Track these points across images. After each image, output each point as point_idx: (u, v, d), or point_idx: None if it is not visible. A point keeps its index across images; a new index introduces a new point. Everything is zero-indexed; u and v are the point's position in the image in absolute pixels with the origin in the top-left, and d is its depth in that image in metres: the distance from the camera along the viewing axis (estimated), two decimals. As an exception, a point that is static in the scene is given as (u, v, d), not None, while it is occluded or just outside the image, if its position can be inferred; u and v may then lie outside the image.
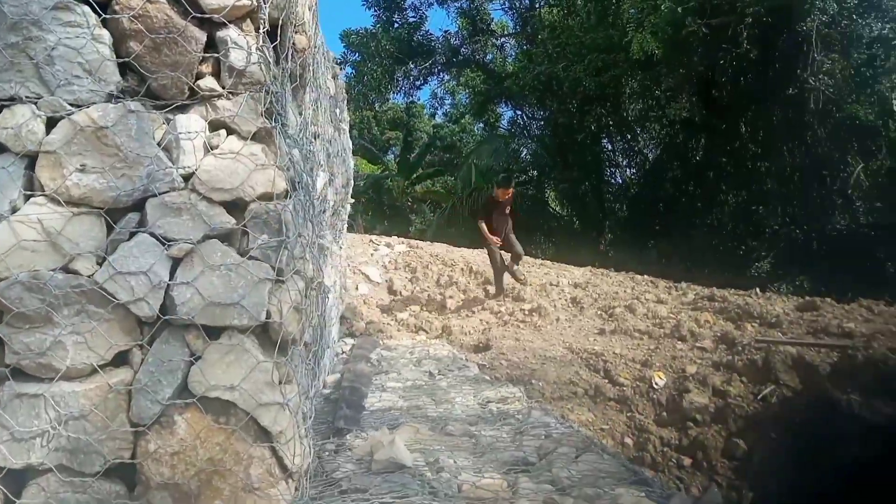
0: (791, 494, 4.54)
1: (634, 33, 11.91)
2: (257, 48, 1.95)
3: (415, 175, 22.21)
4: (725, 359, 5.81)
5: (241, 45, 1.94)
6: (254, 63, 1.94)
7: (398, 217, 22.63)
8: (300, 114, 2.67)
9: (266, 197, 1.89)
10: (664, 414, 5.47)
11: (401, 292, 9.28)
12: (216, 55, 1.95)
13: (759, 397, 5.28)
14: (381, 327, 7.94)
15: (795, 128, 12.47)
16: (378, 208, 22.01)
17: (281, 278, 1.88)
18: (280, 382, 1.93)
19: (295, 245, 1.95)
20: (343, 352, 6.41)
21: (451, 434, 3.20)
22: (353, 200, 6.54)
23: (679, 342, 6.38)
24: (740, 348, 5.89)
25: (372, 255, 10.38)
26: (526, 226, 18.62)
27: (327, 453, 2.86)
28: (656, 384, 5.67)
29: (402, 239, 11.45)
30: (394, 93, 20.28)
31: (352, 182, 6.43)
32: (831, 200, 13.19)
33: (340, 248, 6.60)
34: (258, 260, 1.85)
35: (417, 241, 11.31)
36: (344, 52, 19.56)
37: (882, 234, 12.78)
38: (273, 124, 1.95)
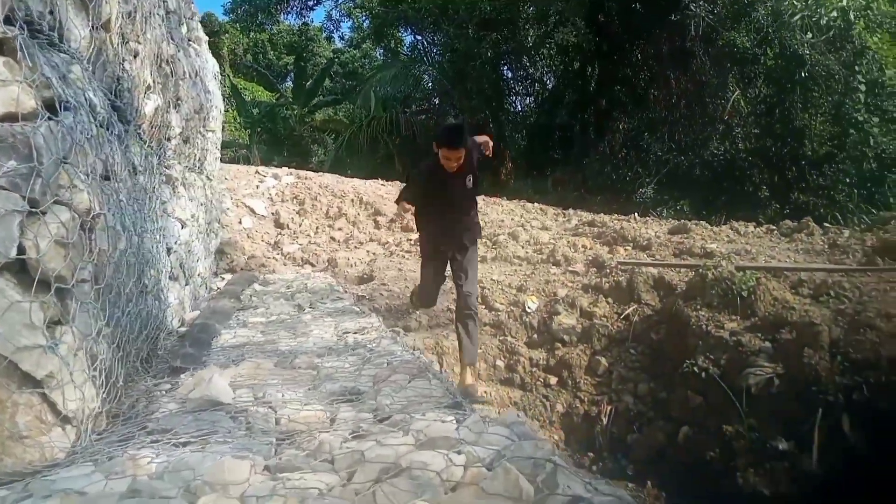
0: (644, 404, 4.83)
1: (527, -46, 11.67)
2: (-9, -57, 1.67)
3: (312, 103, 21.36)
4: (594, 281, 6.01)
5: (-27, -60, 1.66)
6: (-11, -39, 1.67)
7: (297, 147, 21.79)
8: (94, 27, 2.39)
9: (10, 118, 1.66)
10: (535, 336, 5.64)
11: (288, 225, 9.03)
12: (-57, -49, 1.67)
13: (621, 317, 5.52)
14: (263, 261, 7.71)
15: (680, 55, 12.78)
16: (275, 139, 21.10)
17: (36, 209, 1.69)
18: (49, 324, 1.77)
19: (54, 172, 1.75)
20: (218, 288, 6.19)
21: (296, 367, 3.13)
22: (215, 129, 6.15)
23: (553, 267, 6.55)
24: (608, 271, 6.11)
25: (258, 186, 9.97)
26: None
27: (155, 394, 2.73)
28: (529, 308, 5.81)
29: (291, 170, 11.05)
30: (284, 13, 19.12)
31: (215, 108, 6.03)
32: (713, 127, 13.74)
33: (209, 178, 6.26)
34: (5, 189, 1.65)
35: (306, 172, 10.95)
36: (229, -31, 18.19)
37: (758, 159, 13.51)
38: (18, 33, 1.71)
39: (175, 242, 4.30)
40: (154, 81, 3.54)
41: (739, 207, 12.73)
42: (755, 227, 8.16)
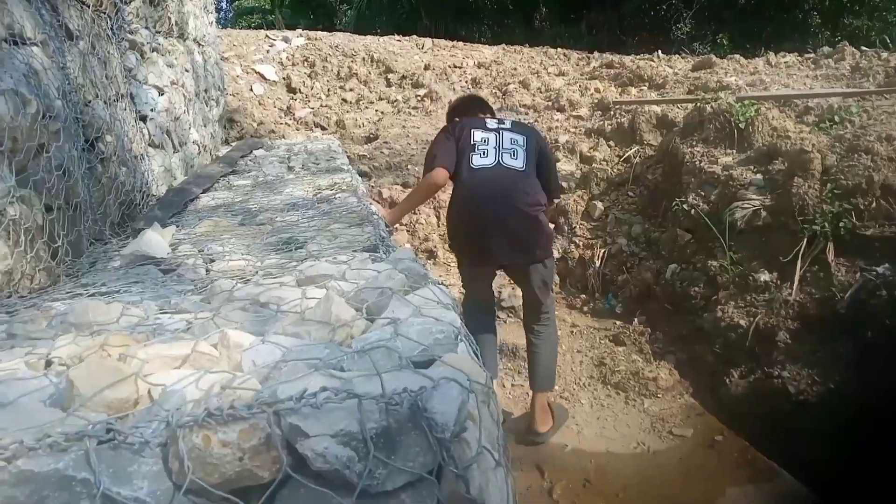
0: (637, 245, 4.78)
1: None
2: None
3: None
4: (597, 125, 5.78)
5: None
6: None
7: (323, 8, 20.96)
8: None
9: None
10: (534, 185, 5.55)
11: (300, 89, 8.89)
12: None
13: (622, 159, 5.35)
14: (273, 128, 7.71)
15: None
16: (297, 1, 20.32)
17: None
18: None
19: None
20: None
21: (258, 224, 3.20)
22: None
23: (558, 113, 6.30)
24: (612, 113, 5.84)
25: (268, 51, 9.74)
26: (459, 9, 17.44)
27: (114, 255, 2.85)
28: (529, 157, 5.67)
29: (301, 31, 10.70)
30: None
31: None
32: (760, -52, 12.43)
33: (198, 43, 6.13)
34: None
35: (316, 33, 10.58)
36: None
37: (810, -20, 12.27)
38: None
39: (151, 110, 4.31)
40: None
41: (786, 37, 11.72)
42: (797, 57, 7.52)
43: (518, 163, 3.09)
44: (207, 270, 2.37)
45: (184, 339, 1.30)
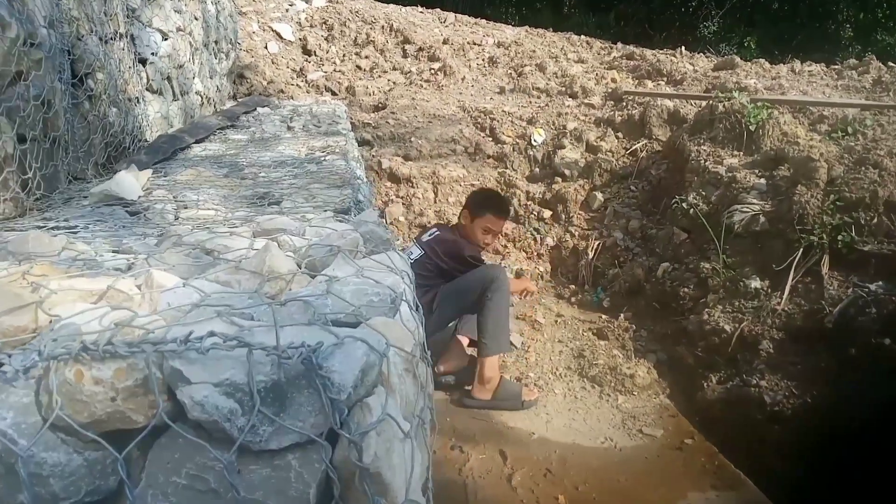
0: (632, 240, 4.70)
1: None
2: None
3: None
4: (607, 115, 5.66)
5: None
6: None
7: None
8: None
9: None
10: (537, 170, 5.46)
11: (315, 52, 8.76)
12: None
13: (628, 152, 5.25)
14: (283, 87, 7.60)
15: None
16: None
17: None
18: None
19: None
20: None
21: (242, 178, 3.14)
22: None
23: (569, 99, 6.17)
24: (624, 104, 5.71)
25: (287, 10, 9.60)
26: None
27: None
28: (535, 141, 5.59)
29: (324, -7, 10.52)
30: None
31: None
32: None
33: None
34: None
35: (339, -5, 10.40)
36: None
37: (846, -8, 11.98)
38: None
39: (152, 54, 4.23)
40: None
41: (816, 48, 11.47)
42: (822, 67, 7.31)
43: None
44: (176, 217, 2.32)
45: (109, 275, 1.24)
